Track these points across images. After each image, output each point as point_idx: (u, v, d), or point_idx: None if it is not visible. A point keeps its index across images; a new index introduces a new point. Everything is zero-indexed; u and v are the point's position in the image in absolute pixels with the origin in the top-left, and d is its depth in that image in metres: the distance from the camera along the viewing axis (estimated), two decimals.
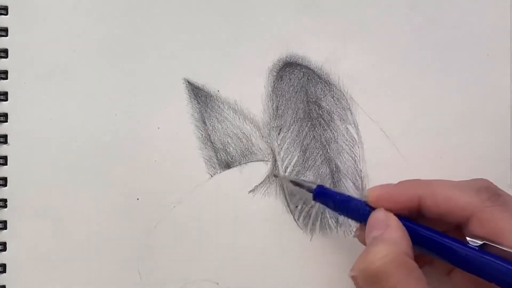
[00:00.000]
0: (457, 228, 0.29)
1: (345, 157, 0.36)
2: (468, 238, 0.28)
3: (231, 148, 0.36)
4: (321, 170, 0.36)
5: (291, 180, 0.35)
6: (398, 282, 0.25)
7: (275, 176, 0.36)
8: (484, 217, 0.27)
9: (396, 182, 0.31)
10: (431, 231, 0.29)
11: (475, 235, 0.28)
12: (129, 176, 0.36)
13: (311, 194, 0.33)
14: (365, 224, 0.30)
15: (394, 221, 0.29)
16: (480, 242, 0.27)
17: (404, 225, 0.28)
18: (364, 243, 0.31)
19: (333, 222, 0.36)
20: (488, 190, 0.28)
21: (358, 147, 0.36)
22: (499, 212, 0.27)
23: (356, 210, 0.31)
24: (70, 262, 0.35)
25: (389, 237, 0.28)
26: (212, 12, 0.36)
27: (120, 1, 0.36)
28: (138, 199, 0.36)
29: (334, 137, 0.36)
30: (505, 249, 0.26)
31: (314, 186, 0.33)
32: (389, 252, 0.26)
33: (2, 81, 0.35)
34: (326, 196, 0.32)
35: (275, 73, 0.36)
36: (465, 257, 0.27)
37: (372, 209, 0.30)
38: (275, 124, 0.36)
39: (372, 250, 0.27)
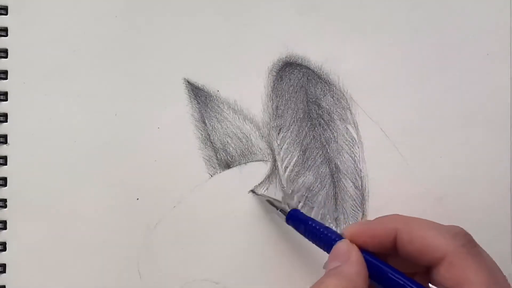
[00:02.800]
0: (426, 272, 0.28)
1: (345, 157, 0.36)
2: (430, 285, 0.27)
3: (231, 148, 0.36)
4: (321, 170, 0.36)
5: (266, 199, 0.35)
6: None
7: (253, 192, 0.36)
8: (456, 262, 0.27)
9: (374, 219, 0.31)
10: (395, 271, 0.28)
11: (442, 282, 0.27)
12: (129, 176, 0.36)
13: (284, 216, 0.33)
14: None
15: (355, 254, 0.28)
16: None
17: (368, 261, 0.28)
18: None
19: (333, 222, 0.36)
20: (465, 237, 0.28)
21: (358, 147, 0.36)
22: (471, 262, 0.26)
23: (325, 239, 0.30)
24: (70, 262, 0.35)
25: (345, 271, 0.27)
26: (212, 12, 0.36)
27: (120, 1, 0.36)
28: (137, 199, 0.36)
29: (334, 137, 0.36)
30: None
31: (287, 209, 0.33)
32: (340, 285, 0.26)
33: (2, 81, 0.35)
34: (298, 221, 0.32)
35: (275, 73, 0.36)
36: None
37: (339, 239, 0.30)
38: (275, 124, 0.36)
39: (324, 282, 0.27)
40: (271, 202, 0.34)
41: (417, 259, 0.28)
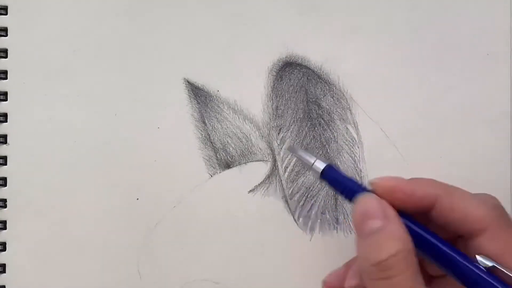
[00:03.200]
0: (458, 238, 0.28)
1: (345, 157, 0.36)
2: (478, 257, 0.26)
3: (231, 148, 0.36)
4: None
5: (297, 154, 0.31)
6: (406, 281, 0.25)
7: (288, 149, 0.35)
8: (499, 234, 0.27)
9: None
10: (436, 237, 0.27)
11: (484, 253, 0.27)
12: (129, 176, 0.36)
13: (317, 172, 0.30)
14: None
15: (392, 212, 0.27)
16: (490, 264, 0.26)
17: (405, 222, 0.27)
18: None
19: (333, 222, 0.36)
20: (501, 208, 0.28)
21: (358, 147, 0.36)
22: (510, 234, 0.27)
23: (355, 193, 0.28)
24: (70, 262, 0.35)
25: (396, 232, 0.26)
26: (212, 12, 0.36)
27: (120, 1, 0.36)
28: (137, 199, 0.36)
29: (334, 137, 0.36)
30: None
31: (322, 165, 0.29)
32: (400, 250, 0.25)
33: (2, 81, 0.35)
34: (333, 178, 0.29)
35: (274, 73, 0.36)
36: (471, 275, 0.26)
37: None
38: (275, 124, 0.36)
39: (380, 244, 0.25)
40: (303, 159, 0.31)
41: (455, 227, 0.28)
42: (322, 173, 0.30)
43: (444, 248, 0.27)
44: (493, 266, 0.26)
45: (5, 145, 0.35)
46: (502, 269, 0.26)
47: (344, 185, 0.29)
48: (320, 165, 0.29)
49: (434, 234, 0.27)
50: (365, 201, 0.27)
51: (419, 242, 0.27)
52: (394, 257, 0.25)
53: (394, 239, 0.25)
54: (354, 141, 0.36)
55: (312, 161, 0.30)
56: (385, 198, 0.27)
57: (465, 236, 0.28)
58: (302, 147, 0.36)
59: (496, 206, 0.28)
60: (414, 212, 0.28)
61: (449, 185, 0.29)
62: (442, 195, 0.28)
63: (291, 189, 0.36)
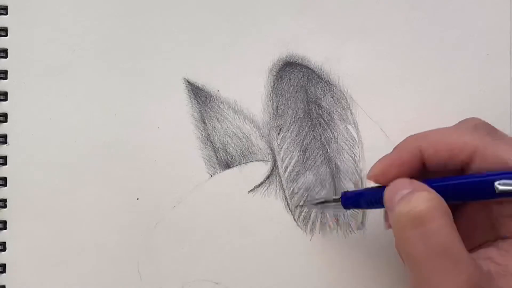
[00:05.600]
0: (462, 172, 0.28)
1: (345, 157, 0.36)
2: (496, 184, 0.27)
3: (231, 148, 0.36)
4: (321, 170, 0.36)
5: (314, 203, 0.35)
6: (442, 227, 0.25)
7: (301, 206, 0.36)
8: (488, 152, 0.27)
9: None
10: (448, 178, 0.28)
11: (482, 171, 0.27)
12: (129, 176, 0.36)
13: (340, 207, 0.33)
14: None
15: (418, 182, 0.27)
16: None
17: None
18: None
19: (333, 222, 0.36)
20: (484, 127, 0.28)
21: (358, 147, 0.36)
22: (501, 145, 0.27)
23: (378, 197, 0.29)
24: (70, 262, 0.35)
25: (425, 189, 0.26)
26: (212, 12, 0.36)
27: (120, 1, 0.36)
28: (137, 199, 0.36)
29: (334, 137, 0.36)
30: None
31: (338, 197, 0.32)
32: (433, 197, 0.25)
33: (2, 81, 0.35)
34: (354, 202, 0.32)
35: (275, 73, 0.36)
36: (483, 179, 0.26)
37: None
38: (275, 124, 0.36)
39: (414, 196, 0.26)
40: (322, 203, 0.34)
41: (449, 166, 0.28)
42: (343, 202, 0.32)
43: (455, 181, 0.27)
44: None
45: (5, 145, 0.35)
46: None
47: (367, 196, 0.31)
48: (337, 196, 0.32)
49: (445, 178, 0.28)
50: (393, 183, 0.28)
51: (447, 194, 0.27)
52: (426, 205, 0.25)
53: (424, 194, 0.26)
54: (354, 141, 0.36)
55: (331, 198, 0.33)
56: (387, 180, 0.28)
57: (463, 167, 0.28)
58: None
59: (477, 126, 0.28)
60: (414, 174, 0.28)
61: (426, 132, 0.29)
62: (423, 145, 0.28)
63: (291, 189, 0.36)
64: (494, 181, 0.26)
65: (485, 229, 0.28)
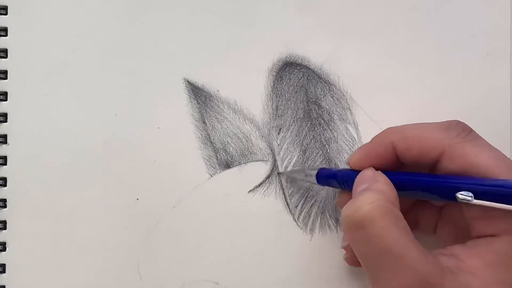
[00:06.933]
0: (433, 169, 0.29)
1: (345, 157, 0.36)
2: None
3: (230, 148, 0.36)
4: None
5: (289, 175, 0.35)
6: (382, 229, 0.25)
7: (279, 174, 0.36)
8: (455, 153, 0.27)
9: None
10: (411, 174, 0.29)
11: (447, 172, 0.28)
12: (129, 176, 0.36)
13: (315, 182, 0.33)
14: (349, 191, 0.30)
15: (381, 176, 0.28)
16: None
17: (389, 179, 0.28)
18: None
19: (333, 222, 0.36)
20: (457, 127, 0.28)
21: (358, 147, 0.36)
22: (469, 148, 0.27)
23: (349, 180, 0.31)
24: (70, 262, 0.35)
25: (376, 187, 0.27)
26: (212, 12, 0.36)
27: (120, 1, 0.36)
28: (137, 199, 0.36)
29: (334, 137, 0.36)
30: None
31: (314, 172, 0.33)
32: (376, 199, 0.26)
33: (2, 81, 0.35)
34: (327, 178, 0.33)
35: (275, 73, 0.36)
36: (445, 184, 0.27)
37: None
38: (275, 124, 0.36)
39: (359, 197, 0.27)
40: (295, 177, 0.35)
41: (420, 163, 0.29)
42: (317, 178, 0.33)
43: (417, 177, 0.28)
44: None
45: (5, 145, 0.35)
46: None
47: (340, 177, 0.31)
48: (313, 172, 0.33)
49: (409, 172, 0.29)
50: (360, 174, 0.29)
51: (402, 187, 0.28)
52: (368, 208, 0.26)
53: (368, 195, 0.27)
54: (354, 141, 0.36)
55: (305, 173, 0.34)
56: (362, 166, 0.30)
57: (434, 165, 0.29)
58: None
59: (451, 126, 0.29)
60: (390, 166, 0.30)
61: (403, 126, 0.30)
62: (396, 139, 0.29)
63: (291, 189, 0.36)
64: (455, 188, 0.26)
65: (462, 229, 0.29)
